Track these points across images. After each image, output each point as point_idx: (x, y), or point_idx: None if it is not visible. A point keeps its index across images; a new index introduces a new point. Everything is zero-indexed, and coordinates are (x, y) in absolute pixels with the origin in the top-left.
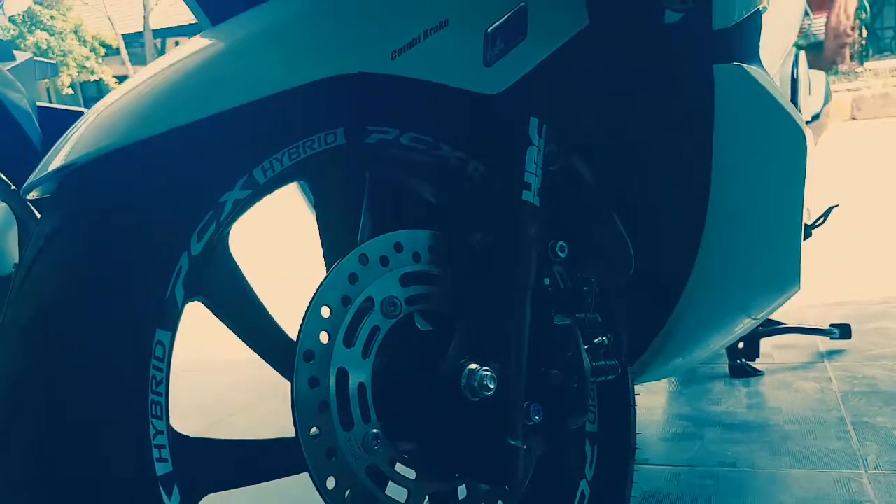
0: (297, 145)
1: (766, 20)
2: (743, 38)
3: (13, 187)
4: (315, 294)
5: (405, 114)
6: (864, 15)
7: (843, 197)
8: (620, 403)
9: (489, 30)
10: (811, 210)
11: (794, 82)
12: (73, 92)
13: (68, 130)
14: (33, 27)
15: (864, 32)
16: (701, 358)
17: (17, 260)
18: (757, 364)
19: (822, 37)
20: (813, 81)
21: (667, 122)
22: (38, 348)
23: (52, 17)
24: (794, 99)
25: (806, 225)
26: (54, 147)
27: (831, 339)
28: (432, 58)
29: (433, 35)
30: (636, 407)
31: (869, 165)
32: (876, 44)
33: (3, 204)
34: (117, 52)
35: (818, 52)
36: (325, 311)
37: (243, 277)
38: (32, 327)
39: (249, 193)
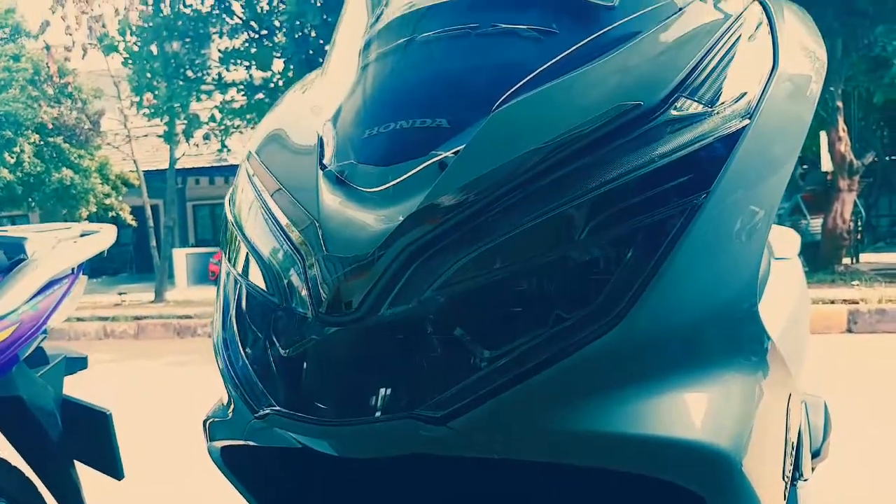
0: None
1: None
2: None
3: (33, 482)
4: None
5: None
6: (860, 216)
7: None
8: None
9: None
10: None
11: (800, 436)
12: (88, 223)
13: None
14: (60, 164)
15: (860, 225)
16: None
17: None
18: None
19: (819, 236)
20: (812, 415)
21: None
22: None
23: (79, 156)
24: (798, 457)
25: None
26: None
27: None
28: None
29: None
30: None
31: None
32: (871, 233)
33: None
34: (138, 190)
35: (815, 251)
36: None
37: None
38: None
39: None
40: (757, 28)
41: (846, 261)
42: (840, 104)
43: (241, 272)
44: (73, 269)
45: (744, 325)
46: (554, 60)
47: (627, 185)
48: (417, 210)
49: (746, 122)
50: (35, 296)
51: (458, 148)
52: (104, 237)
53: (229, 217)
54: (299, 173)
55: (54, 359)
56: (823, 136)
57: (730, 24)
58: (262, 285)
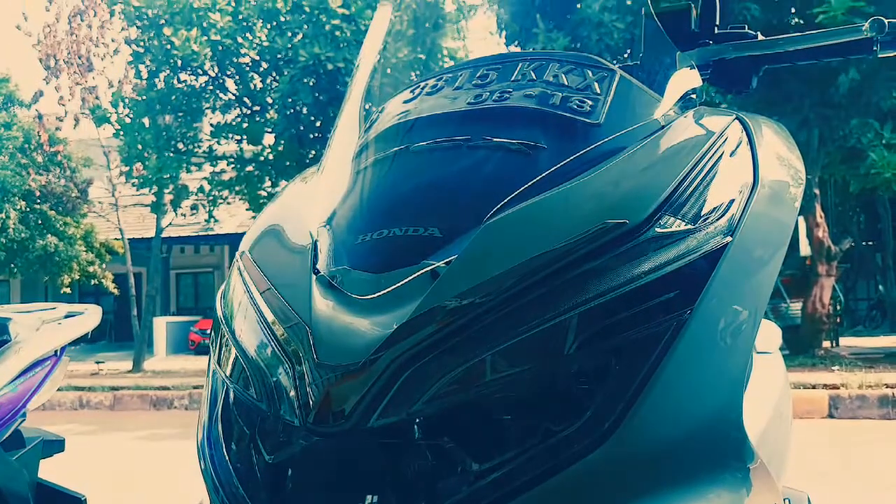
0: None
1: None
2: None
3: None
4: None
5: None
6: (839, 301)
7: None
8: None
9: None
10: None
11: None
12: (70, 291)
13: None
14: (45, 231)
15: (840, 310)
16: None
17: None
18: None
19: (798, 320)
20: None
21: None
22: None
23: (65, 224)
24: None
25: None
26: None
27: None
28: None
29: None
30: None
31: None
32: (850, 317)
33: None
34: (123, 257)
35: (796, 334)
36: None
37: None
38: None
39: None
40: (738, 145)
41: (826, 344)
42: (817, 192)
43: (229, 371)
44: (55, 351)
45: (729, 437)
46: (543, 175)
47: (614, 301)
48: (409, 319)
49: (729, 238)
50: (16, 378)
51: (450, 258)
52: (89, 319)
53: (219, 314)
54: (292, 275)
55: (31, 441)
56: (802, 221)
57: (713, 141)
58: (249, 383)
